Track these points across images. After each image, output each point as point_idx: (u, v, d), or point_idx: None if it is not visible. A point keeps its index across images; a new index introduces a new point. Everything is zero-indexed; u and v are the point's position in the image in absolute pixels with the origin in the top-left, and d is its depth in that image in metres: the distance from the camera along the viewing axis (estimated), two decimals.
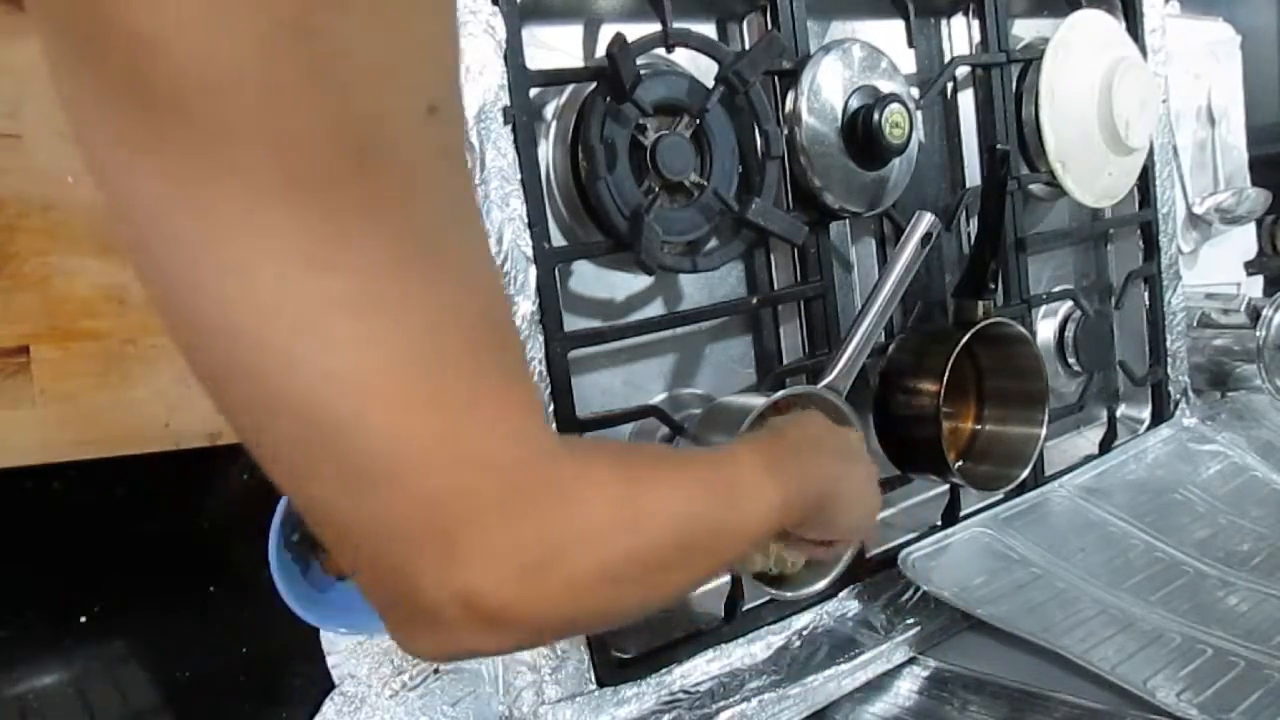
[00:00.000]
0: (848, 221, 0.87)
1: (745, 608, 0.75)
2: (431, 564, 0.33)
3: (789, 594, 0.69)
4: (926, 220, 0.77)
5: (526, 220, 0.65)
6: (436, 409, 0.30)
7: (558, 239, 0.72)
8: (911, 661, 0.78)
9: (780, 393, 0.71)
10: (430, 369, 0.30)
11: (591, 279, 0.75)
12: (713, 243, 0.78)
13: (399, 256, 0.29)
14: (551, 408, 0.67)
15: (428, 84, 0.29)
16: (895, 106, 0.78)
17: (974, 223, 0.94)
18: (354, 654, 0.66)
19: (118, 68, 0.25)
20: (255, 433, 0.31)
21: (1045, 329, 1.06)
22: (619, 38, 0.67)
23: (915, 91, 0.88)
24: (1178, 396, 1.11)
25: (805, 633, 0.78)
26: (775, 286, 0.82)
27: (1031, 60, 0.96)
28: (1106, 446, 1.04)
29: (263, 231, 0.27)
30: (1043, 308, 1.04)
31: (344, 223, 0.27)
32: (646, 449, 0.61)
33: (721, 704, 0.71)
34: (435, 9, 0.29)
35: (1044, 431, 0.88)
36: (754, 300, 0.80)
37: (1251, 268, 1.35)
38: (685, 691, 0.71)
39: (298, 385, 0.29)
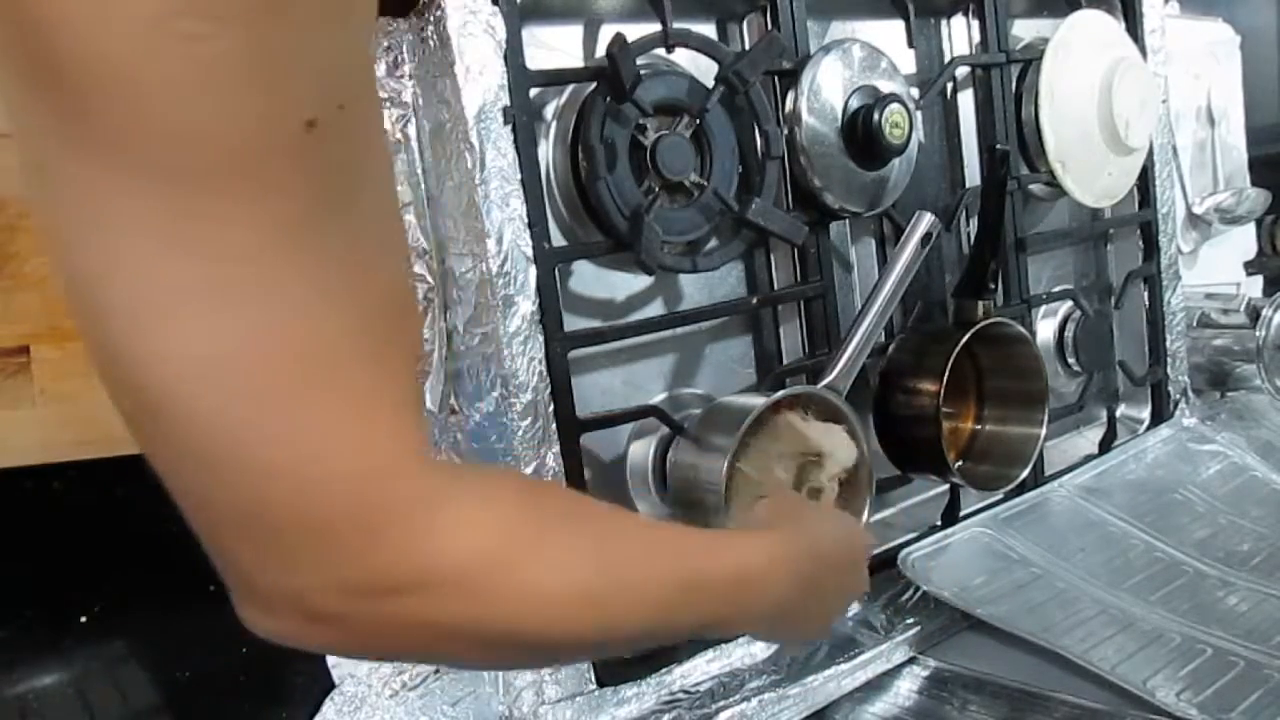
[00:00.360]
0: (848, 221, 0.87)
1: None
2: (257, 559, 0.33)
3: None
4: (926, 220, 0.77)
5: (526, 220, 0.65)
6: (276, 403, 0.30)
7: (558, 239, 0.72)
8: (911, 661, 0.78)
9: (780, 393, 0.71)
10: (274, 363, 0.30)
11: (591, 279, 0.75)
12: (713, 243, 0.78)
13: (258, 251, 0.29)
14: (551, 408, 0.67)
15: (307, 99, 0.29)
16: (895, 106, 0.78)
17: (974, 223, 0.94)
18: None
19: (22, 47, 0.27)
20: (119, 407, 0.31)
21: (1045, 329, 1.06)
22: (619, 38, 0.67)
23: (915, 91, 0.88)
24: (1177, 396, 1.11)
25: None
26: (775, 286, 0.82)
27: (1031, 60, 0.96)
28: (1106, 446, 1.04)
29: (131, 213, 0.28)
30: (1043, 308, 1.04)
31: (208, 212, 0.28)
32: (580, 505, 0.47)
33: (721, 704, 0.71)
34: (325, 25, 0.29)
35: (1044, 431, 0.88)
36: (754, 300, 0.80)
37: (1251, 268, 1.35)
38: (685, 691, 0.71)
39: (138, 363, 0.29)
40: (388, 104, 0.67)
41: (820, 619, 0.58)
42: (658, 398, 0.79)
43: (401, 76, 0.67)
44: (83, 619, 0.59)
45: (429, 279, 0.69)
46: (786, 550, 0.51)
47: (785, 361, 0.84)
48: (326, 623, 0.33)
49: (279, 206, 0.29)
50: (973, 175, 0.95)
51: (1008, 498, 0.92)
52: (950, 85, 0.94)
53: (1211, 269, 1.28)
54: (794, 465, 0.71)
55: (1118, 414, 1.09)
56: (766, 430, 0.70)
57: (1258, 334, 1.08)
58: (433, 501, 0.33)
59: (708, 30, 0.80)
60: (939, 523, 0.88)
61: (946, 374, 0.79)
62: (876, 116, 0.78)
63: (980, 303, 0.83)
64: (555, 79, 0.70)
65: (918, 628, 0.79)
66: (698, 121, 0.74)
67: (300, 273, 0.30)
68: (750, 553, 0.49)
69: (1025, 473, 0.88)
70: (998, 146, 0.85)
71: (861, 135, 0.79)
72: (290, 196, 0.29)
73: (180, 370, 0.29)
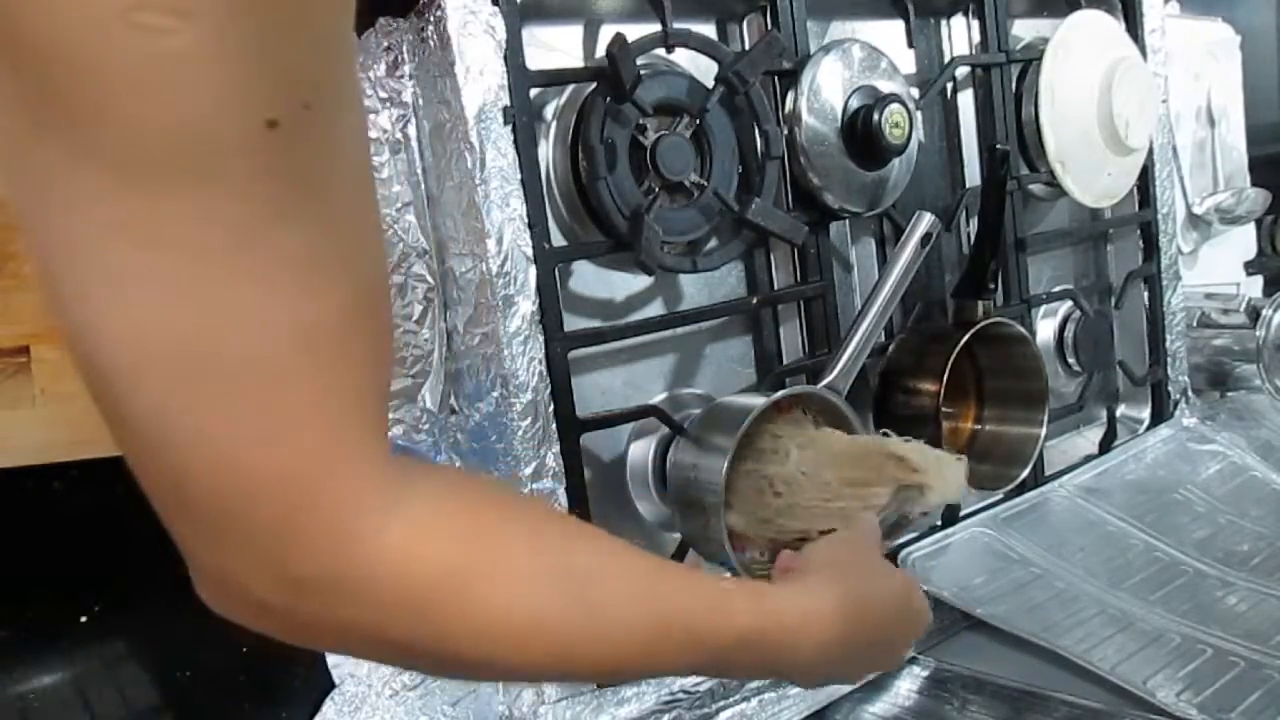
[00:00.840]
0: (848, 221, 0.87)
1: None
2: (196, 541, 0.33)
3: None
4: (926, 220, 0.77)
5: (526, 220, 0.66)
6: (207, 397, 0.30)
7: (558, 239, 0.72)
8: (911, 661, 0.78)
9: (780, 393, 0.71)
10: (210, 358, 0.30)
11: (591, 279, 0.75)
12: (713, 243, 0.78)
13: (208, 247, 0.29)
14: (551, 408, 0.67)
15: (270, 98, 0.28)
16: (895, 106, 0.78)
17: (974, 223, 0.94)
18: None
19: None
20: (85, 383, 0.32)
21: (1045, 329, 1.06)
22: (619, 38, 0.67)
23: (915, 91, 0.88)
24: (1177, 396, 1.11)
25: None
26: (775, 286, 0.83)
27: (1031, 60, 0.96)
28: (1106, 446, 1.04)
29: (87, 196, 0.28)
30: (1043, 308, 1.04)
31: (161, 204, 0.28)
32: (550, 520, 0.45)
33: (721, 704, 0.71)
34: (292, 24, 0.29)
35: (1044, 431, 0.88)
36: (754, 300, 0.80)
37: (1251, 268, 1.35)
38: (685, 691, 0.71)
39: (87, 342, 0.30)
40: (388, 104, 0.67)
41: (869, 669, 0.57)
42: (658, 398, 0.79)
43: (401, 76, 0.67)
44: (83, 619, 0.59)
45: (429, 279, 0.69)
46: (822, 607, 0.49)
47: (785, 361, 0.84)
48: (264, 611, 0.34)
49: (233, 207, 0.29)
50: (973, 175, 0.95)
51: (1008, 498, 0.93)
52: (950, 85, 0.94)
53: (1211, 269, 1.28)
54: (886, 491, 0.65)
55: (1118, 414, 1.09)
56: (855, 455, 0.66)
57: (1258, 334, 1.08)
58: (366, 506, 0.33)
59: (708, 30, 0.80)
60: (939, 523, 0.88)
61: (946, 374, 0.79)
62: (876, 116, 0.78)
63: (980, 303, 0.83)
64: (555, 79, 0.70)
65: None
66: (698, 121, 0.74)
67: (249, 274, 0.30)
68: (770, 613, 0.47)
69: (1025, 473, 0.88)
70: (998, 146, 0.85)
71: (861, 135, 0.79)
72: (245, 197, 0.29)
73: (125, 356, 0.30)
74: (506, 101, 0.65)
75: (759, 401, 0.69)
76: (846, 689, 0.75)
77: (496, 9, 0.64)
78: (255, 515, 0.32)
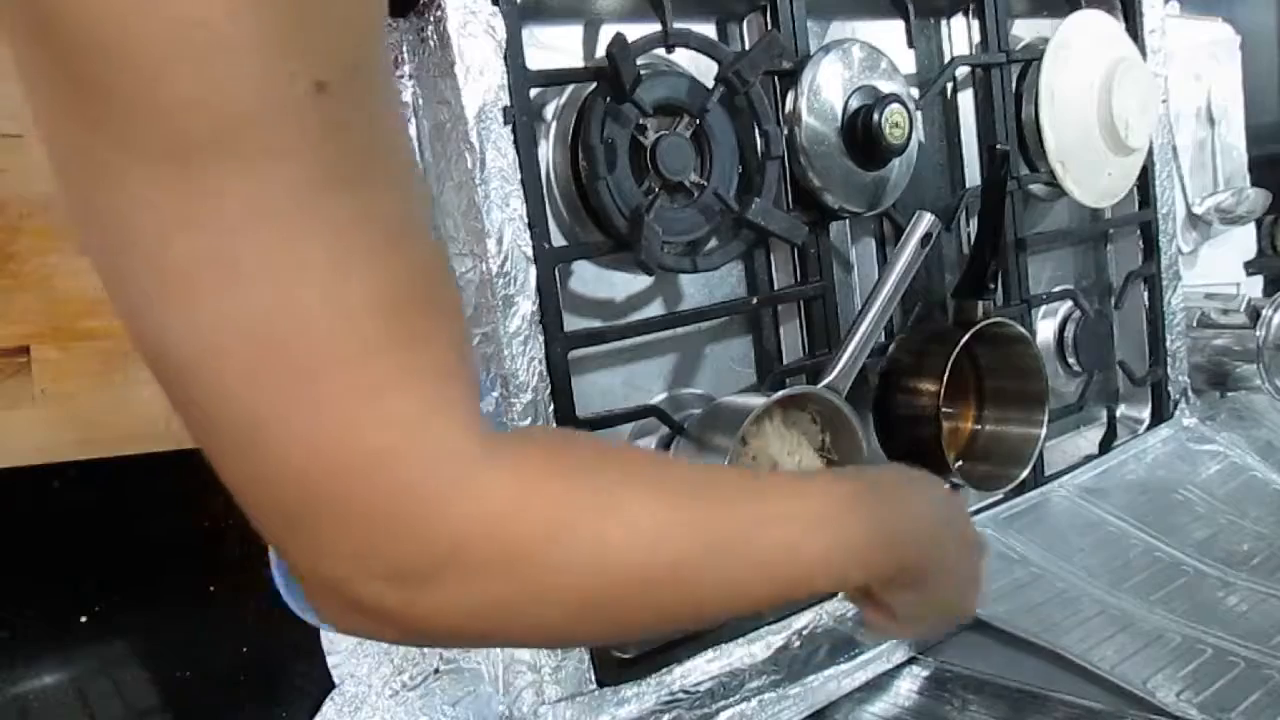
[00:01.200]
0: (848, 221, 0.87)
1: None
2: (294, 545, 0.31)
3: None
4: (926, 220, 0.77)
5: (526, 220, 0.65)
6: (298, 377, 0.29)
7: (558, 239, 0.72)
8: (911, 661, 0.78)
9: (780, 393, 0.71)
10: (290, 337, 0.29)
11: (591, 279, 0.75)
12: (713, 243, 0.78)
13: (269, 219, 0.28)
14: (551, 408, 0.67)
15: (318, 60, 0.28)
16: (895, 106, 0.78)
17: (974, 223, 0.94)
18: (354, 654, 0.66)
19: (37, 21, 0.26)
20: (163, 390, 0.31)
21: (1045, 329, 1.06)
22: (619, 38, 0.67)
23: (915, 91, 0.88)
24: (1177, 396, 1.11)
25: (805, 632, 0.77)
26: (775, 286, 0.82)
27: (1031, 60, 0.96)
28: (1106, 446, 1.04)
29: (142, 188, 0.27)
30: (1043, 308, 1.04)
31: (218, 183, 0.28)
32: (639, 459, 0.47)
33: (721, 704, 0.71)
34: None
35: (1044, 431, 0.88)
36: (754, 300, 0.80)
37: (1251, 268, 1.35)
38: (685, 691, 0.71)
39: (159, 343, 0.29)
40: None
41: (953, 575, 0.51)
42: (658, 398, 0.79)
43: (401, 76, 0.67)
44: (83, 619, 0.59)
45: None
46: (863, 481, 0.47)
47: (785, 361, 0.84)
48: (382, 615, 0.32)
49: (290, 172, 0.28)
50: (973, 175, 0.95)
51: (1008, 498, 0.93)
52: (950, 85, 0.94)
53: (1211, 269, 1.28)
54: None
55: (1118, 414, 1.09)
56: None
57: (1258, 334, 1.08)
58: (466, 475, 0.31)
59: (708, 30, 0.80)
60: None
61: (946, 374, 0.79)
62: (876, 116, 0.78)
63: (980, 303, 0.83)
64: (555, 79, 0.70)
65: None
66: (698, 121, 0.74)
67: (317, 241, 0.29)
68: (858, 472, 0.46)
69: (1025, 473, 0.88)
70: (998, 146, 0.85)
71: (861, 135, 0.79)
72: (302, 162, 0.28)
73: (198, 348, 0.29)
74: (506, 101, 0.65)
75: (759, 401, 0.69)
76: (846, 689, 0.75)
77: (496, 9, 0.64)
78: (350, 503, 0.30)
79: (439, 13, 0.63)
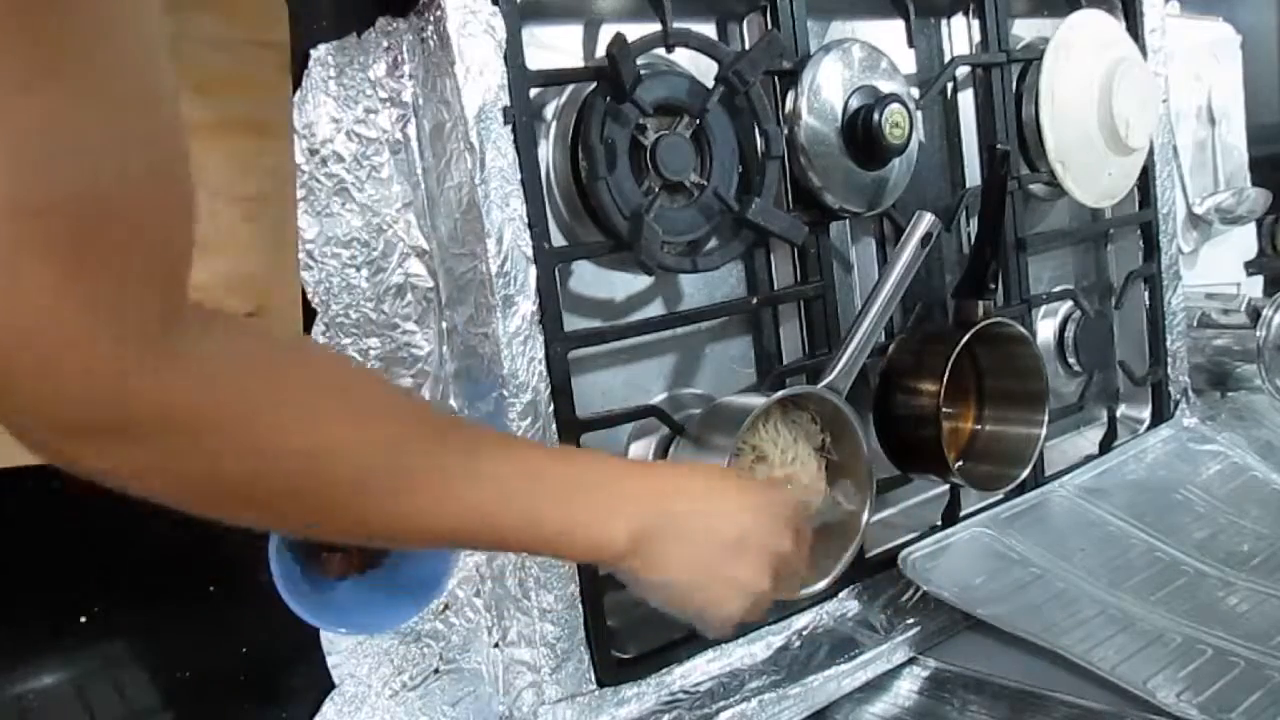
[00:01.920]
0: (848, 221, 0.87)
1: None
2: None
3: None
4: (926, 220, 0.77)
5: (526, 220, 0.65)
6: None
7: (558, 239, 0.72)
8: (911, 661, 0.78)
9: (780, 393, 0.71)
10: None
11: (591, 279, 0.75)
12: (713, 243, 0.78)
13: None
14: (551, 408, 0.67)
15: None
16: (895, 106, 0.78)
17: (974, 223, 0.94)
18: (354, 654, 0.66)
19: None
20: None
21: (1045, 329, 1.06)
22: (619, 38, 0.67)
23: (915, 91, 0.88)
24: (1178, 396, 1.11)
25: (805, 633, 0.78)
26: (775, 286, 0.82)
27: (1031, 60, 0.96)
28: (1106, 446, 1.04)
29: None
30: (1043, 308, 1.04)
31: None
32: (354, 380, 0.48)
33: (721, 704, 0.71)
34: None
35: (1044, 431, 0.88)
36: (754, 300, 0.80)
37: (1251, 268, 1.35)
38: (685, 691, 0.71)
39: None
40: (388, 104, 0.67)
41: (706, 591, 0.54)
42: (658, 398, 0.79)
43: (401, 76, 0.67)
44: (83, 619, 0.59)
45: (428, 279, 0.69)
46: (645, 486, 0.52)
47: (785, 361, 0.84)
48: (54, 457, 0.35)
49: None
50: (973, 175, 0.95)
51: (1008, 498, 0.92)
52: (950, 85, 0.94)
53: (1211, 269, 1.28)
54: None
55: (1118, 414, 1.09)
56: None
57: (1258, 334, 1.08)
58: (132, 353, 0.34)
59: (708, 30, 0.80)
60: (939, 523, 0.88)
61: (946, 374, 0.79)
62: (876, 116, 0.78)
63: (980, 303, 0.83)
64: (555, 79, 0.70)
65: (918, 628, 0.79)
66: (698, 121, 0.74)
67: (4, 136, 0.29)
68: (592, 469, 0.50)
69: (1025, 473, 0.88)
70: (998, 146, 0.85)
71: (861, 135, 0.79)
72: None
73: None
74: (506, 101, 0.65)
75: (759, 401, 0.69)
76: (846, 689, 0.75)
77: (496, 9, 0.64)
78: (13, 370, 0.32)
79: (439, 13, 0.63)
